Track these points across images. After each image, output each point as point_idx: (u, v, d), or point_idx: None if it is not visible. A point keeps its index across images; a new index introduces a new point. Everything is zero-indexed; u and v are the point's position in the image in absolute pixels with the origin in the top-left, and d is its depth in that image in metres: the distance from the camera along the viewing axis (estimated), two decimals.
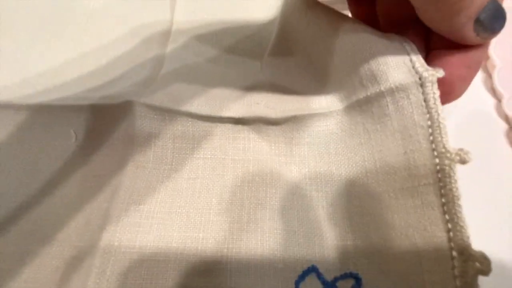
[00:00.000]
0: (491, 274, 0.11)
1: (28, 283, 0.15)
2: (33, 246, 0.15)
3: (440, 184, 0.13)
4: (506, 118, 0.20)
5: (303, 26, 0.20)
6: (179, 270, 0.14)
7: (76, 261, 0.15)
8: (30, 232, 0.16)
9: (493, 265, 0.11)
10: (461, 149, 0.12)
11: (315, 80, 0.19)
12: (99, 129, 0.18)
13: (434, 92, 0.13)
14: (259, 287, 0.14)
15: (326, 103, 0.17)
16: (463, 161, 0.12)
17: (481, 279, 0.11)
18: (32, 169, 0.17)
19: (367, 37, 0.15)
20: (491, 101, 0.21)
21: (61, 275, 0.15)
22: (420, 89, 0.13)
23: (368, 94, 0.15)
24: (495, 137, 0.20)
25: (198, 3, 0.24)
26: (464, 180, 0.17)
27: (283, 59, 0.22)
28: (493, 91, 0.21)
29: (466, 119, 0.20)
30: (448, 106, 0.21)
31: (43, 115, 0.17)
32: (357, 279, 0.14)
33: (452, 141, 0.19)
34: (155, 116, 0.17)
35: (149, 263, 0.14)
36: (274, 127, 0.18)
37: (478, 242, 0.13)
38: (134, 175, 0.17)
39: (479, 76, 0.22)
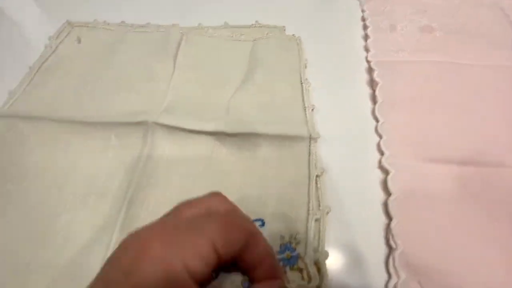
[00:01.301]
0: None
1: None
2: None
3: (310, 185, 0.27)
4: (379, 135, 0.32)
5: None
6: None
7: None
8: None
9: None
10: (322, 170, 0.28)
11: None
12: (127, 134, 0.30)
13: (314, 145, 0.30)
14: None
15: (263, 128, 0.30)
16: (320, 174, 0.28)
17: None
18: None
19: None
20: (372, 123, 0.33)
21: None
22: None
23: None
24: (368, 149, 0.32)
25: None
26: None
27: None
28: (375, 117, 0.33)
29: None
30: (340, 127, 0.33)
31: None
32: (262, 221, 0.26)
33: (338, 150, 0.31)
34: (162, 130, 0.30)
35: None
36: (230, 138, 0.30)
37: None
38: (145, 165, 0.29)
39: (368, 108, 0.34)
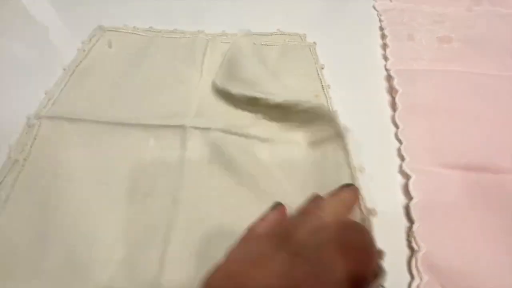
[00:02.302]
0: None
1: None
2: None
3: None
4: (400, 141, 0.33)
5: None
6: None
7: None
8: None
9: None
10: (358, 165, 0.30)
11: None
12: (165, 136, 0.32)
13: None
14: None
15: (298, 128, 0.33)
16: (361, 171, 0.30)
17: None
18: None
19: None
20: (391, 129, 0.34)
21: None
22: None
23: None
24: (388, 154, 0.33)
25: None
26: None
27: None
28: (395, 123, 0.35)
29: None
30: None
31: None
32: None
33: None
34: (196, 131, 0.32)
35: None
36: (262, 140, 0.32)
37: None
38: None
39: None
